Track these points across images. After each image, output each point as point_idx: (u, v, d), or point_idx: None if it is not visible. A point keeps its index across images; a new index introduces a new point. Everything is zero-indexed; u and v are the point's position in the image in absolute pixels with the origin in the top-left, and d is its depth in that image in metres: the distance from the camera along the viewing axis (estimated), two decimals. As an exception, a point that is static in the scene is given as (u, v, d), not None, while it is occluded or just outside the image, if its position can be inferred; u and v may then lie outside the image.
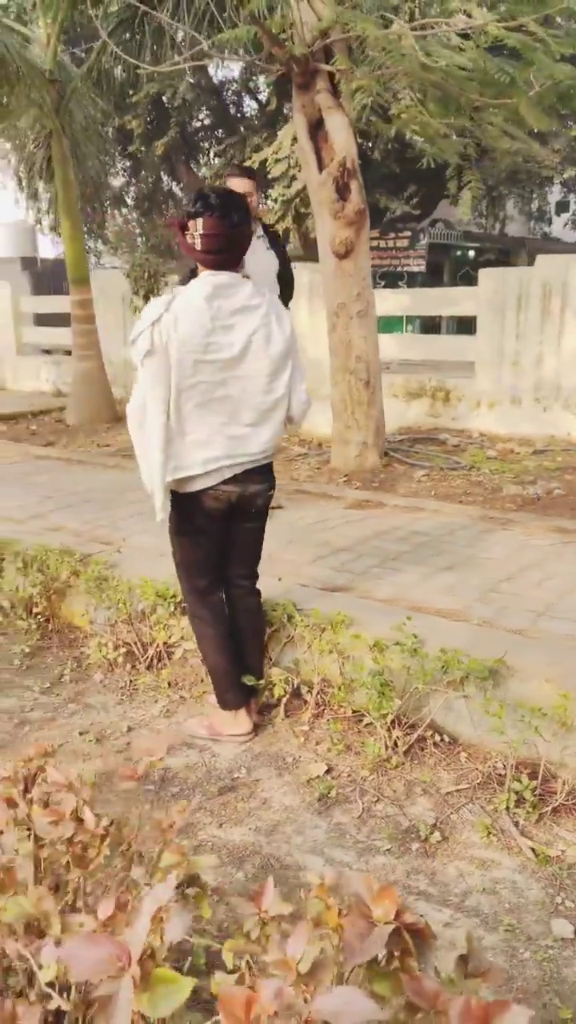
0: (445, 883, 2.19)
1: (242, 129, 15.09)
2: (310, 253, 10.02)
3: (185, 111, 14.72)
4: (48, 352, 12.49)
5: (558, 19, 6.16)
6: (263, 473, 2.69)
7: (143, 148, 14.60)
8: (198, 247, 2.44)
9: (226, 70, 15.47)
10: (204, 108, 15.82)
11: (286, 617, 3.15)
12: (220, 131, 16.07)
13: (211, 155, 16.49)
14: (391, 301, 8.96)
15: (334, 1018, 0.98)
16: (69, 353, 10.35)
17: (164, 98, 14.14)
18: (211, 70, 14.46)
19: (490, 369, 7.77)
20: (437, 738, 2.77)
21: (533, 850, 2.28)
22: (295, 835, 2.38)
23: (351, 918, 1.23)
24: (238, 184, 4.04)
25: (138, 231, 18.42)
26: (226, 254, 2.46)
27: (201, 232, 2.41)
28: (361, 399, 6.18)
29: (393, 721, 2.73)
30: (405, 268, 16.67)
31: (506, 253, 19.88)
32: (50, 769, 1.54)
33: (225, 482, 2.59)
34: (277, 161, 11.49)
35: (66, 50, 9.76)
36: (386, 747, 2.71)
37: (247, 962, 1.38)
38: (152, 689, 3.28)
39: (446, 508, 5.11)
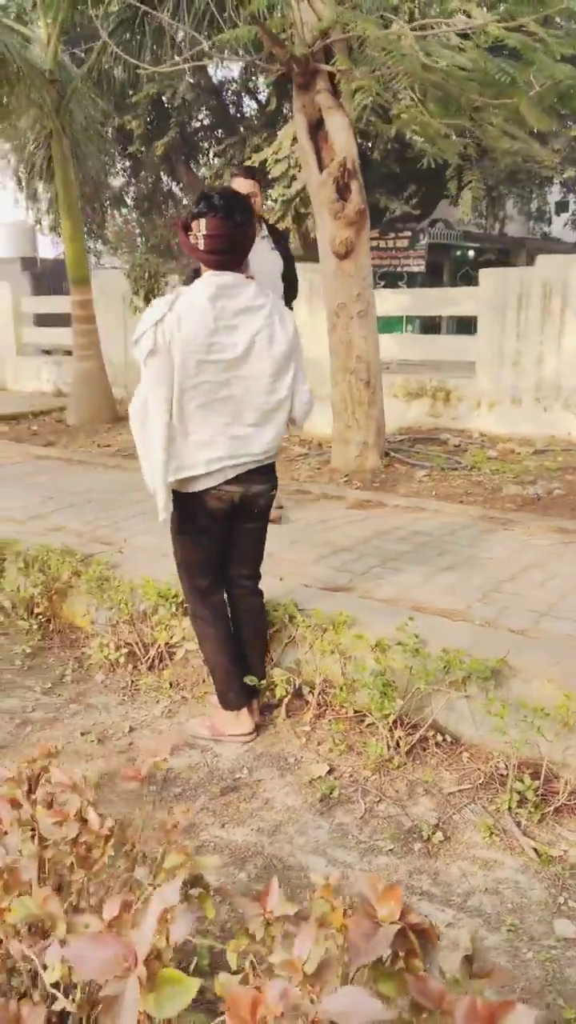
0: (448, 883, 2.19)
1: (242, 129, 15.09)
2: (310, 253, 10.02)
3: (185, 111, 14.73)
4: (48, 352, 12.49)
5: (557, 19, 6.17)
6: (265, 473, 2.69)
7: (143, 148, 14.61)
8: (201, 247, 2.44)
9: (226, 70, 15.49)
10: (204, 108, 15.83)
11: (288, 617, 3.15)
12: (220, 131, 16.07)
13: (211, 155, 16.49)
14: (391, 301, 8.96)
15: (341, 1018, 0.98)
16: (69, 353, 10.35)
17: (164, 98, 14.14)
18: (211, 70, 14.47)
19: (490, 369, 7.77)
20: (439, 738, 2.78)
21: (536, 850, 2.29)
22: (297, 835, 2.38)
23: (356, 918, 1.23)
24: (242, 185, 4.04)
25: (138, 231, 18.42)
26: (229, 255, 2.46)
27: (204, 232, 2.42)
28: (361, 399, 6.18)
29: (395, 721, 2.73)
30: (405, 268, 16.68)
31: (506, 253, 19.89)
32: (54, 770, 1.54)
33: (228, 482, 2.60)
34: (277, 161, 11.49)
35: (66, 50, 9.75)
36: (388, 747, 2.71)
37: (251, 962, 1.38)
38: (154, 690, 3.28)
39: (447, 508, 5.11)
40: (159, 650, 3.39)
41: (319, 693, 2.98)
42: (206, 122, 16.40)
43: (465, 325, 11.05)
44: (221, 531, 2.72)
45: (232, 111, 16.15)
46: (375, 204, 12.67)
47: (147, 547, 4.16)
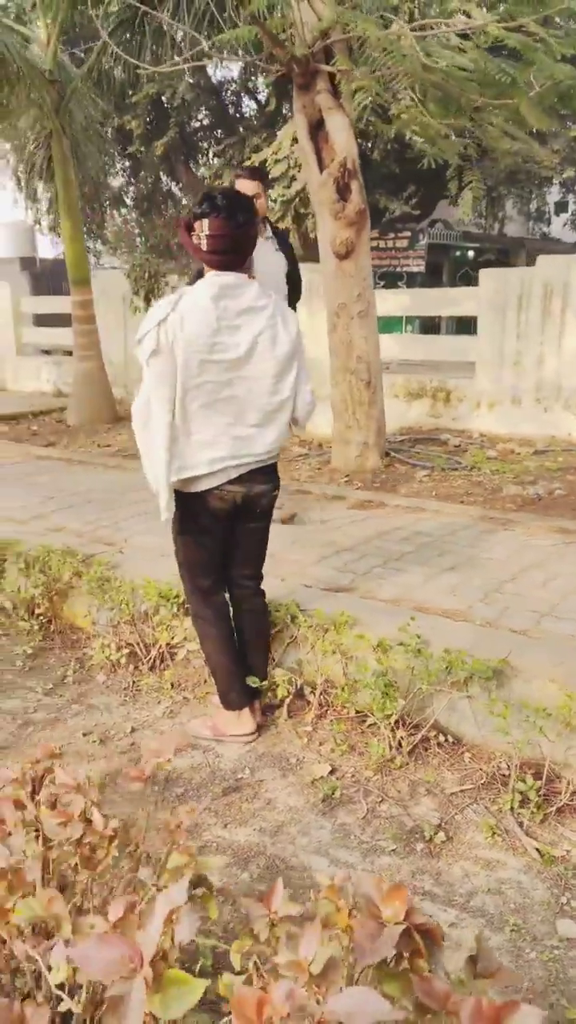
0: (450, 883, 2.19)
1: (241, 129, 15.09)
2: (310, 253, 10.01)
3: (184, 111, 14.73)
4: (48, 352, 12.49)
5: (557, 19, 6.16)
6: (267, 473, 2.69)
7: (142, 148, 14.61)
8: (204, 247, 2.45)
9: (225, 70, 15.50)
10: (203, 108, 15.83)
11: (289, 617, 3.15)
12: (219, 131, 16.07)
13: (210, 155, 16.50)
14: (391, 301, 8.96)
15: (348, 1019, 0.98)
16: (69, 353, 10.34)
17: (163, 98, 14.14)
18: (210, 70, 14.47)
19: (491, 369, 7.77)
20: (441, 738, 2.78)
21: (538, 850, 2.29)
22: (300, 836, 2.39)
23: (361, 919, 1.23)
24: (246, 186, 4.04)
25: (137, 231, 18.42)
26: (232, 255, 2.47)
27: (207, 233, 2.42)
28: (362, 399, 6.18)
29: (397, 721, 2.73)
30: (404, 268, 16.69)
31: (505, 253, 19.90)
32: (58, 770, 1.54)
33: (230, 482, 2.60)
34: (277, 161, 11.50)
35: (66, 50, 9.75)
36: (390, 747, 2.71)
37: (254, 963, 1.38)
38: (155, 690, 3.28)
39: (447, 508, 5.11)
40: (160, 651, 3.39)
41: (321, 693, 2.98)
42: (205, 122, 16.41)
43: (464, 325, 11.06)
44: (223, 531, 2.72)
45: (231, 111, 16.15)
46: (374, 204, 12.66)
47: (148, 547, 4.16)
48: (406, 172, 13.46)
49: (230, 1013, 1.21)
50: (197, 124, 16.36)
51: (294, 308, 4.43)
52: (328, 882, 1.31)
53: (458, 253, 19.70)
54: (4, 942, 1.41)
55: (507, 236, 20.66)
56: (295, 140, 10.12)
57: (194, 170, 16.32)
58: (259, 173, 4.41)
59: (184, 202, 16.97)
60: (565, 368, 7.33)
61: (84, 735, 2.95)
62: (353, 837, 2.38)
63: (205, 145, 16.79)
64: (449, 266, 19.29)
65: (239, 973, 1.35)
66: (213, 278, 2.49)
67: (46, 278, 15.56)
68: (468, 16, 5.61)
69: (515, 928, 2.03)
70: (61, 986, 1.28)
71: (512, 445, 7.18)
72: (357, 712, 2.92)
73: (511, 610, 3.36)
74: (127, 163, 16.52)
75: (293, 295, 4.46)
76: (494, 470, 6.24)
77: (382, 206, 13.85)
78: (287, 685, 2.96)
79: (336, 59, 5.56)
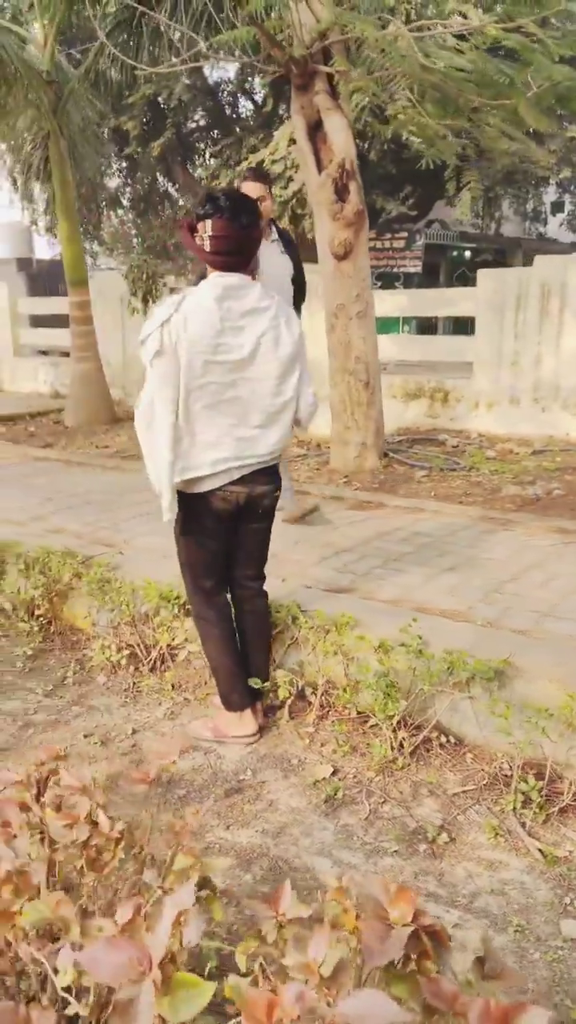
0: (453, 884, 2.19)
1: (238, 130, 15.08)
2: (307, 254, 10.03)
3: (181, 112, 14.72)
4: (45, 353, 12.47)
5: (552, 20, 6.17)
6: (269, 474, 2.69)
7: (139, 149, 14.59)
8: (207, 248, 2.45)
9: (221, 71, 15.49)
10: (200, 109, 15.82)
11: (291, 618, 3.15)
12: (216, 132, 16.07)
13: (207, 156, 16.49)
14: (389, 302, 8.97)
15: (358, 1021, 0.98)
16: (66, 354, 10.33)
17: (160, 99, 14.13)
18: (207, 71, 14.47)
19: (489, 369, 7.78)
20: (443, 739, 2.78)
21: (541, 851, 2.29)
22: (302, 837, 2.38)
23: (369, 921, 1.23)
24: (251, 188, 4.05)
25: (134, 232, 18.40)
26: (235, 256, 2.47)
27: (210, 234, 2.42)
28: (360, 400, 6.19)
29: (399, 722, 2.73)
30: (401, 269, 16.70)
31: (502, 253, 19.93)
32: (63, 772, 1.54)
33: (233, 483, 2.60)
34: (273, 162, 11.49)
35: (63, 51, 9.74)
36: (392, 748, 2.70)
37: (260, 965, 1.38)
38: (156, 691, 3.28)
39: (446, 509, 5.11)
40: (161, 652, 3.39)
41: (322, 694, 2.98)
42: (202, 123, 16.40)
43: (461, 326, 11.08)
44: (226, 532, 2.72)
45: (228, 112, 16.14)
46: (371, 205, 12.68)
47: (147, 548, 4.16)
48: (403, 172, 13.48)
49: (235, 1015, 1.21)
50: (194, 125, 16.35)
51: (299, 310, 4.43)
52: (336, 884, 1.31)
53: (455, 253, 19.73)
54: (9, 945, 1.40)
55: (504, 236, 20.69)
56: (292, 141, 10.13)
57: (191, 171, 16.31)
58: (265, 175, 4.41)
59: (181, 203, 16.96)
60: (563, 368, 7.34)
61: (85, 737, 2.94)
62: (356, 838, 2.38)
63: (202, 146, 16.78)
64: (446, 266, 19.32)
65: (244, 975, 1.34)
66: (216, 279, 2.49)
67: (43, 279, 15.55)
68: (465, 17, 5.62)
69: (519, 929, 2.03)
70: (68, 989, 1.27)
71: (510, 445, 7.19)
72: (359, 713, 2.92)
73: (512, 610, 3.36)
74: (124, 164, 16.50)
75: (298, 297, 4.47)
76: (493, 470, 6.25)
77: (379, 206, 13.86)
78: (288, 686, 2.95)
79: (334, 60, 5.56)
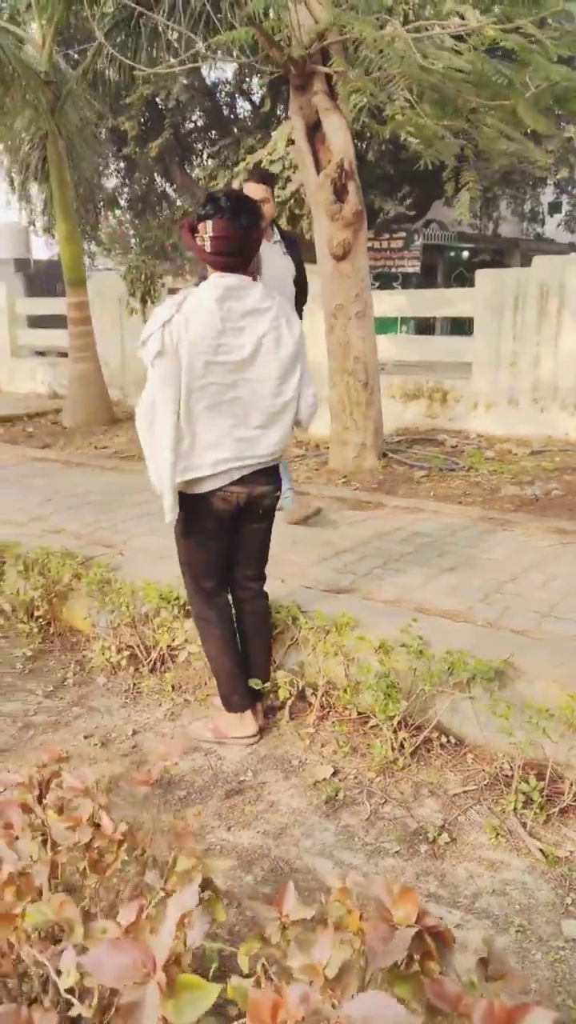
0: (455, 885, 2.19)
1: (236, 130, 15.08)
2: (306, 255, 10.03)
3: (179, 112, 14.71)
4: (42, 354, 12.46)
5: (550, 21, 6.18)
6: (270, 474, 2.69)
7: (137, 149, 14.59)
8: (208, 249, 2.45)
9: (219, 71, 15.50)
10: (198, 109, 15.82)
11: (291, 619, 3.14)
12: (214, 132, 16.07)
13: (204, 156, 16.49)
14: (387, 302, 8.98)
15: (363, 1023, 0.98)
16: (64, 355, 10.33)
17: (158, 100, 14.13)
18: (205, 72, 14.46)
19: (487, 370, 7.79)
20: (443, 740, 2.78)
21: (542, 851, 2.29)
22: (303, 838, 2.38)
23: (373, 922, 1.23)
24: (254, 190, 4.04)
25: (131, 233, 18.40)
26: (235, 257, 2.47)
27: (211, 234, 2.42)
28: (359, 400, 6.19)
29: (399, 723, 2.73)
30: (399, 269, 16.72)
31: (500, 254, 19.95)
32: (66, 774, 1.54)
33: (233, 483, 2.60)
34: (271, 162, 11.49)
35: (61, 51, 9.74)
36: (392, 749, 2.70)
37: (262, 966, 1.38)
38: (156, 692, 3.27)
39: (446, 509, 5.11)
40: (161, 653, 3.38)
41: (322, 695, 2.98)
42: (200, 123, 16.40)
43: (459, 326, 11.08)
44: (226, 532, 2.72)
45: (226, 112, 16.14)
46: (369, 205, 12.68)
47: (147, 549, 4.16)
48: (401, 173, 13.48)
49: (237, 1017, 1.21)
50: (192, 125, 16.35)
51: (301, 312, 4.43)
52: (339, 885, 1.31)
53: (453, 254, 19.75)
54: (11, 947, 1.40)
55: (501, 237, 20.70)
56: (290, 141, 10.14)
57: (188, 171, 16.31)
58: (268, 177, 4.41)
59: (179, 203, 16.96)
60: (561, 368, 7.35)
61: (85, 738, 2.94)
62: (357, 839, 2.38)
63: (199, 146, 16.78)
64: (444, 267, 19.34)
65: (246, 976, 1.34)
66: (217, 280, 2.49)
67: (40, 279, 15.55)
68: (462, 18, 5.62)
69: (520, 929, 2.03)
70: (71, 991, 1.27)
71: (509, 445, 7.20)
72: (359, 714, 2.92)
73: (511, 611, 3.36)
74: (121, 164, 16.49)
75: (300, 298, 4.46)
76: (491, 471, 6.25)
77: (377, 207, 13.87)
78: (289, 687, 2.95)
79: (333, 60, 5.56)
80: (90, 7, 7.38)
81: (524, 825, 2.40)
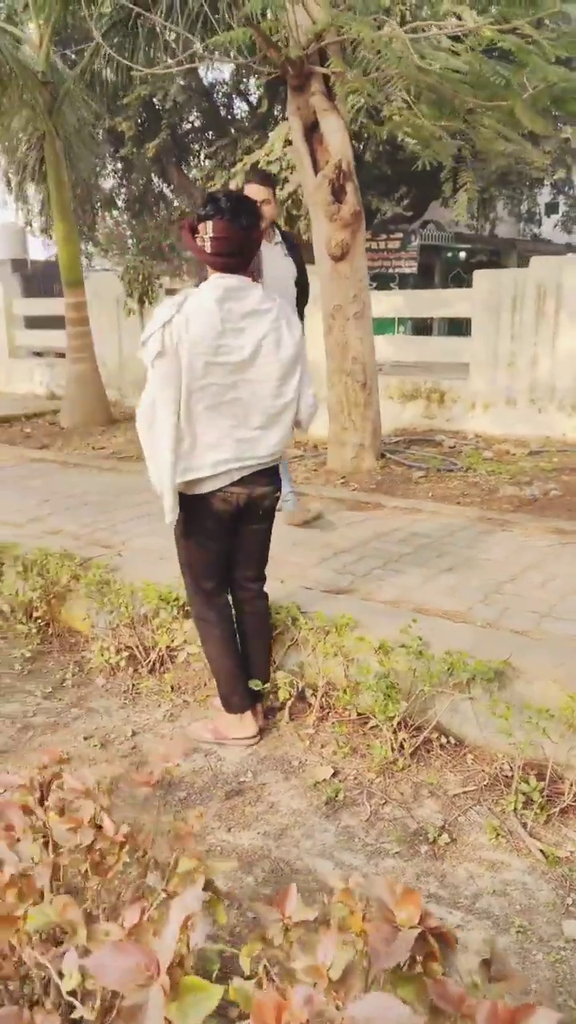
0: (455, 885, 2.19)
1: (233, 131, 15.09)
2: (303, 255, 10.03)
3: (176, 113, 14.71)
4: (39, 354, 12.45)
5: (548, 21, 6.18)
6: (269, 475, 2.69)
7: (134, 150, 14.59)
8: (208, 249, 2.45)
9: (217, 72, 15.50)
10: (195, 110, 15.82)
11: (290, 620, 3.14)
12: (211, 133, 16.07)
13: (202, 157, 16.49)
14: (385, 303, 8.98)
15: (368, 1025, 0.98)
16: (62, 356, 10.32)
17: (155, 100, 14.12)
18: (202, 72, 14.46)
19: (485, 370, 7.79)
20: (443, 740, 2.78)
21: (542, 851, 2.29)
22: (304, 839, 2.38)
23: (376, 923, 1.22)
24: (255, 191, 4.04)
25: (129, 233, 18.39)
26: (237, 257, 2.47)
27: (211, 235, 2.42)
28: (357, 401, 6.19)
29: (399, 723, 2.73)
30: (397, 270, 16.74)
31: (497, 254, 19.98)
32: (67, 776, 1.53)
33: (233, 484, 2.60)
34: (269, 163, 11.49)
35: (58, 51, 9.73)
36: (392, 749, 2.70)
37: (264, 967, 1.38)
38: (155, 693, 3.27)
39: (444, 509, 5.11)
40: (160, 653, 3.38)
41: (322, 696, 2.98)
42: (197, 124, 16.41)
43: (456, 326, 11.09)
44: (226, 533, 2.72)
45: (223, 113, 16.15)
46: (367, 206, 12.67)
47: (146, 550, 4.15)
48: (398, 173, 13.49)
49: (239, 1018, 1.21)
50: (189, 126, 16.35)
51: (302, 313, 4.43)
52: (342, 885, 1.31)
53: (450, 254, 19.77)
54: (13, 949, 1.40)
55: (498, 237, 20.72)
56: (288, 142, 10.13)
57: (186, 172, 16.31)
58: (269, 179, 4.41)
59: (176, 204, 16.95)
60: (559, 369, 7.36)
61: (85, 739, 2.94)
62: (357, 840, 2.38)
63: (197, 147, 16.78)
64: (441, 267, 19.36)
65: (248, 978, 1.34)
66: (217, 280, 2.49)
67: (37, 280, 15.51)
68: (459, 19, 5.62)
69: (521, 929, 2.03)
70: (73, 993, 1.27)
71: (507, 446, 7.20)
72: (359, 714, 2.92)
73: (511, 611, 3.36)
74: (119, 165, 16.49)
75: (301, 299, 4.46)
76: (490, 471, 6.26)
77: (374, 207, 13.88)
78: (289, 688, 2.95)
79: (330, 61, 5.56)
80: (87, 7, 7.37)
81: (524, 825, 2.40)
